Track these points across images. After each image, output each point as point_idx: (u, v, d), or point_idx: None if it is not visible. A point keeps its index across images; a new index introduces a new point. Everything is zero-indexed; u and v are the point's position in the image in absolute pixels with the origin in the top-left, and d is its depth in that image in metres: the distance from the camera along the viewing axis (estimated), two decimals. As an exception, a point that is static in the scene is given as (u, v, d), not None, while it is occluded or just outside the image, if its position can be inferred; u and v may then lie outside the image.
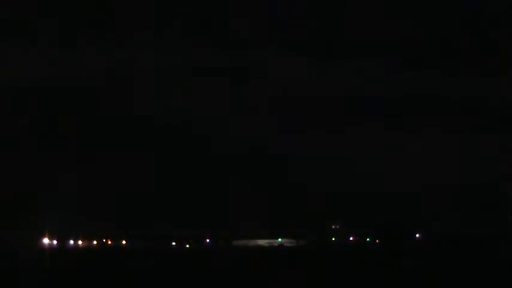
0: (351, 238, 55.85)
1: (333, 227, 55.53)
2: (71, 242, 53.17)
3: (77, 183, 50.11)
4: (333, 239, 55.30)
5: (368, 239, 55.67)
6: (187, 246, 54.10)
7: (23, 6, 53.62)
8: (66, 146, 51.70)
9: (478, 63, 63.12)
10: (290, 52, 62.87)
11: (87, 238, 53.30)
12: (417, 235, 54.53)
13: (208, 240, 54.52)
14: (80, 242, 53.39)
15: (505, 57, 60.30)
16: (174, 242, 53.91)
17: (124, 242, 53.61)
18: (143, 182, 51.82)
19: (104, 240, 53.72)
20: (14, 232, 48.46)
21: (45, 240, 51.53)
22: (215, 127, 58.75)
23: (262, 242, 54.81)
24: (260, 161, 54.43)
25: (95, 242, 53.60)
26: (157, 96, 60.47)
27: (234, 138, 57.16)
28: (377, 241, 55.40)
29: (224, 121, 58.75)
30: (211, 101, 58.49)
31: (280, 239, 55.55)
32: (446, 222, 51.22)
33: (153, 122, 55.16)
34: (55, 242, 52.13)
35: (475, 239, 48.56)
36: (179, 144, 56.25)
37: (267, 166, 54.35)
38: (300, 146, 58.61)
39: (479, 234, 49.94)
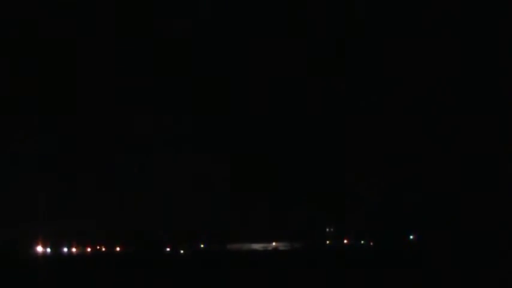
0: (345, 241, 55.89)
1: (327, 230, 55.55)
2: (65, 249, 53.02)
3: (69, 189, 50.00)
4: (327, 242, 55.30)
5: (362, 242, 55.71)
6: (182, 251, 54.04)
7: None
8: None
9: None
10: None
11: (81, 245, 53.18)
12: (411, 236, 54.63)
13: (202, 246, 54.50)
14: (73, 249, 53.25)
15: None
16: (168, 247, 53.87)
17: (118, 248, 53.50)
18: (136, 186, 51.72)
19: (98, 247, 53.58)
20: (7, 239, 48.35)
21: (39, 248, 51.35)
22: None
23: (257, 246, 54.81)
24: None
25: (89, 249, 53.47)
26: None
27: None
28: (371, 243, 55.49)
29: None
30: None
31: (274, 243, 55.55)
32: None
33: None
34: (48, 249, 51.94)
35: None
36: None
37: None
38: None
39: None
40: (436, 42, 47.49)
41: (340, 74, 49.68)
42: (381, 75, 49.05)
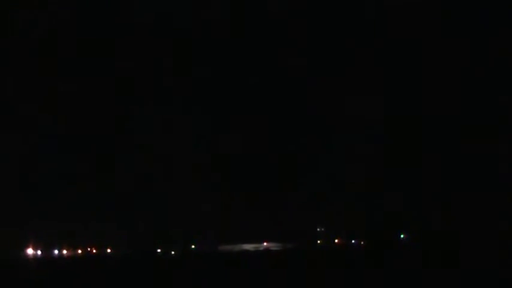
0: (336, 241, 55.87)
1: (318, 229, 55.52)
2: (56, 251, 52.80)
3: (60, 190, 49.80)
4: (318, 242, 55.28)
5: (353, 241, 55.72)
6: (173, 252, 53.94)
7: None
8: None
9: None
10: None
11: (72, 247, 52.97)
12: (402, 235, 54.68)
13: (193, 246, 54.39)
14: (64, 252, 53.03)
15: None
16: (160, 248, 53.77)
17: (109, 250, 53.33)
18: (128, 187, 51.60)
19: (89, 249, 53.39)
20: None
21: (29, 251, 51.13)
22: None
23: (248, 247, 54.70)
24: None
25: (79, 251, 53.28)
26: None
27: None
28: (362, 243, 55.52)
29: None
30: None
31: (265, 243, 55.47)
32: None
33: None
34: (39, 252, 51.73)
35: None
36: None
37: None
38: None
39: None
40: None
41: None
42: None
